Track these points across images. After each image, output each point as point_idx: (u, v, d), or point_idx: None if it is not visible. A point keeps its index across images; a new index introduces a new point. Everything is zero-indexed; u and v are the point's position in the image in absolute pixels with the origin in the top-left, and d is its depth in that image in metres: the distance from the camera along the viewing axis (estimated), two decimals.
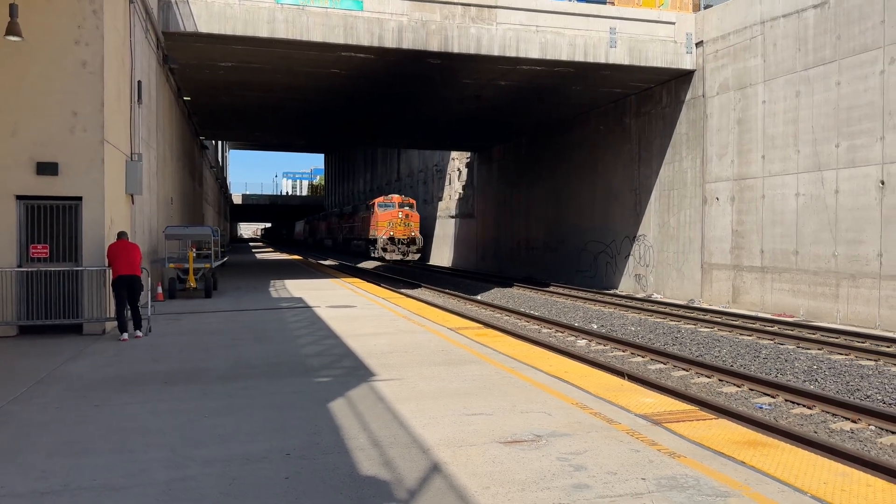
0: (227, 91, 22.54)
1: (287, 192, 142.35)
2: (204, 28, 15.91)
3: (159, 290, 15.00)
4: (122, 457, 4.56)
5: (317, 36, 16.56)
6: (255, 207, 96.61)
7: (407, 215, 42.84)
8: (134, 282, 9.76)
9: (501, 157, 35.35)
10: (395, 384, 6.61)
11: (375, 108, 26.07)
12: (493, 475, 4.17)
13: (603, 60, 18.87)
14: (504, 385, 6.62)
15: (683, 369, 10.32)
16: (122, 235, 10.01)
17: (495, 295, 21.75)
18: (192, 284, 15.32)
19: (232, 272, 24.59)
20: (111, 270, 9.81)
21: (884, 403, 8.06)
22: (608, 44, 18.88)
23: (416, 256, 42.45)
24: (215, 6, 15.91)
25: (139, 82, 13.20)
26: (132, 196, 12.47)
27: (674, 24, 19.68)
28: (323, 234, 69.09)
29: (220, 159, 59.53)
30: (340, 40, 16.72)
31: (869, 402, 8.09)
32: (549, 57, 18.44)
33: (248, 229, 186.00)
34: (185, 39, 16.47)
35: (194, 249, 16.77)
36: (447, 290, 22.91)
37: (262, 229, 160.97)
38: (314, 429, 5.14)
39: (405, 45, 17.23)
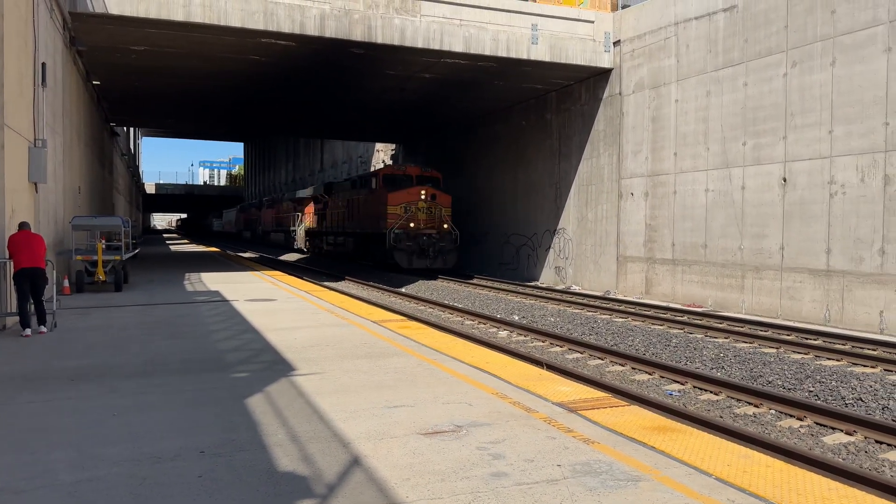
0: (140, 76, 21.61)
1: (205, 182, 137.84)
2: (115, 10, 15.18)
3: (66, 283, 14.27)
4: (23, 458, 4.33)
5: (235, 21, 16.09)
6: (169, 197, 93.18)
7: (433, 196, 26.45)
8: (37, 275, 9.25)
9: (426, 149, 35.39)
10: (316, 378, 6.54)
11: (298, 97, 25.58)
12: (414, 466, 4.19)
13: (525, 56, 19.14)
14: (426, 377, 6.65)
15: (599, 358, 10.65)
16: (24, 226, 9.46)
17: (420, 287, 21.81)
18: (102, 277, 14.65)
19: (144, 265, 23.66)
20: (12, 263, 9.26)
21: (784, 388, 8.55)
22: (530, 40, 19.17)
23: (454, 262, 26.35)
24: None
25: (43, 64, 12.48)
26: (35, 184, 11.80)
27: (593, 22, 20.16)
28: (264, 226, 60.78)
29: (132, 147, 57.04)
30: (260, 26, 16.30)
31: (770, 388, 8.56)
32: (472, 51, 18.56)
33: (162, 220, 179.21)
34: (94, 21, 15.67)
35: (104, 241, 16.04)
36: (371, 283, 22.80)
37: (177, 220, 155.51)
38: (230, 425, 5.02)
39: (328, 34, 16.97)
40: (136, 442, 4.66)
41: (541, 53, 19.29)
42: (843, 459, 6.19)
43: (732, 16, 16.77)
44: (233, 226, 78.29)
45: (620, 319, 13.63)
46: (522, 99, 24.83)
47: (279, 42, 17.61)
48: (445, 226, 25.97)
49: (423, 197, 25.87)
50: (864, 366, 9.66)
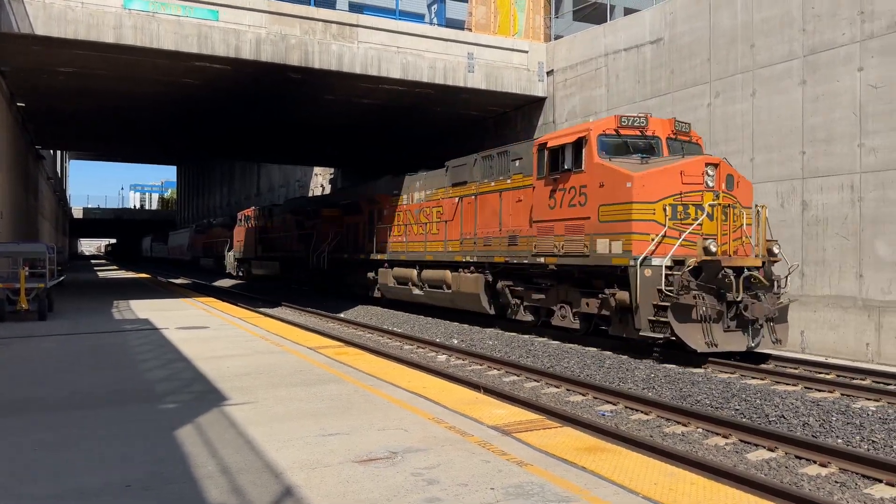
0: (69, 98, 20.97)
1: (135, 206, 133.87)
2: (41, 30, 14.74)
3: None
4: None
5: (168, 44, 15.84)
6: (98, 222, 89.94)
7: (729, 180, 12.04)
8: None
9: (366, 173, 35.35)
10: (249, 407, 6.42)
11: (234, 121, 25.27)
12: (347, 495, 4.17)
13: (462, 84, 19.48)
14: (362, 403, 6.62)
15: (535, 380, 10.79)
16: None
17: (359, 312, 21.66)
18: (24, 306, 14.04)
19: (71, 292, 22.75)
20: None
21: (711, 407, 8.85)
22: (467, 68, 19.53)
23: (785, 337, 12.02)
24: (55, 7, 14.81)
25: None
26: None
27: (527, 52, 20.71)
28: (200, 252, 54.01)
29: (59, 170, 55.02)
30: (194, 50, 16.10)
31: (699, 407, 8.85)
32: (410, 78, 18.77)
33: (90, 245, 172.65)
34: (19, 41, 15.16)
35: (27, 268, 15.38)
36: (309, 309, 22.51)
37: (106, 245, 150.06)
38: (158, 458, 4.88)
39: (263, 58, 16.89)
40: (60, 477, 4.48)
41: (477, 81, 19.67)
42: (765, 475, 6.44)
43: (659, 48, 17.51)
44: (185, 251, 60.65)
45: (555, 342, 13.87)
46: (462, 125, 25.18)
47: (213, 66, 17.42)
48: (770, 249, 12.25)
49: (708, 182, 11.70)
50: (787, 384, 10.09)
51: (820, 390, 9.64)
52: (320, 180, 42.54)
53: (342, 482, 4.39)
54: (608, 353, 12.66)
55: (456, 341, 15.09)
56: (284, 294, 29.17)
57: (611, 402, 9.24)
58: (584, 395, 9.73)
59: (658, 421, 8.38)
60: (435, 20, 29.09)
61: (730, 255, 11.77)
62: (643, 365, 11.34)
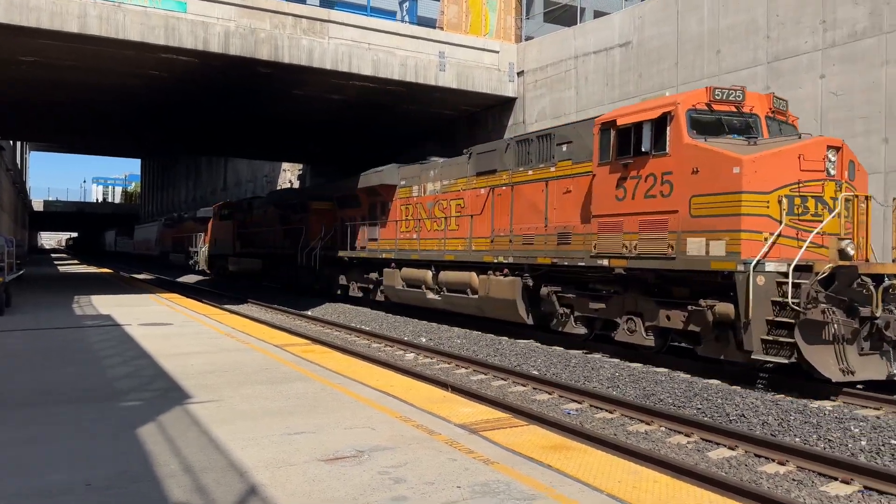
0: (31, 88, 20.46)
1: (98, 199, 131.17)
2: (2, 18, 14.37)
3: None
4: None
5: (134, 35, 15.56)
6: (59, 215, 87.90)
7: (851, 167, 10.02)
8: None
9: (336, 171, 35.14)
10: (213, 406, 6.35)
11: (202, 115, 24.92)
12: (313, 494, 4.15)
13: (433, 83, 19.48)
14: (329, 402, 6.59)
15: (503, 379, 10.85)
16: None
17: (326, 310, 21.53)
18: None
19: (30, 287, 22.21)
20: None
21: (674, 406, 8.99)
22: (438, 67, 19.54)
23: None
24: None
25: None
26: None
27: (498, 52, 20.80)
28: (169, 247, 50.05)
29: (19, 161, 53.63)
30: (161, 41, 15.84)
31: (662, 406, 8.99)
32: (381, 75, 18.72)
33: (51, 239, 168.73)
34: None
35: None
36: (275, 306, 22.31)
37: (67, 239, 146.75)
38: (121, 457, 4.81)
39: (232, 52, 16.69)
40: (21, 476, 4.38)
41: (449, 80, 19.69)
42: (726, 473, 6.57)
43: (628, 51, 17.72)
44: (153, 246, 56.72)
45: (523, 341, 13.96)
46: (434, 124, 25.18)
47: (181, 58, 17.15)
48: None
49: (829, 169, 9.73)
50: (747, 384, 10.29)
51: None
52: (288, 176, 42.18)
53: (308, 481, 4.37)
54: (574, 352, 12.75)
55: (424, 339, 15.09)
56: (251, 291, 28.86)
57: (576, 401, 9.34)
58: (550, 393, 9.81)
59: (622, 419, 8.50)
60: (407, 18, 29.06)
61: (866, 261, 9.71)
62: (608, 364, 11.48)
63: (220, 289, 30.95)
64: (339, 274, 22.75)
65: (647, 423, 8.22)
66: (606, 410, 8.83)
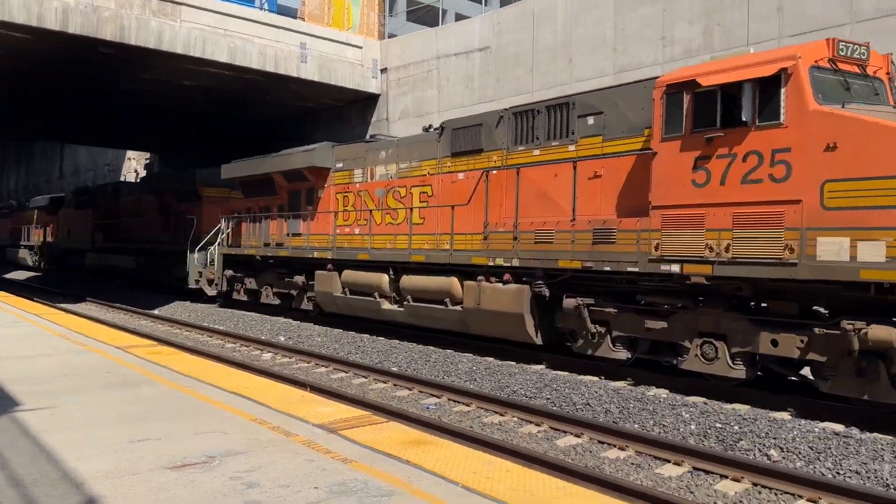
0: None
1: None
2: None
3: None
4: None
5: None
6: None
7: None
8: None
9: (189, 160, 33.35)
10: (46, 413, 5.84)
11: (38, 96, 22.77)
12: (158, 503, 3.93)
13: (294, 74, 19.05)
14: (178, 406, 6.27)
15: (363, 376, 10.83)
16: None
17: (175, 309, 20.41)
18: None
19: None
20: None
21: (526, 397, 9.39)
22: (299, 58, 19.13)
23: None
24: None
25: None
26: None
27: (361, 48, 20.70)
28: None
29: None
30: None
31: (515, 397, 9.36)
32: (238, 63, 18.04)
33: None
34: None
35: None
36: (118, 305, 20.86)
37: None
38: None
39: (72, 30, 15.41)
40: None
41: (310, 73, 19.33)
42: (572, 460, 6.96)
43: (487, 56, 18.25)
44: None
45: (384, 339, 13.99)
46: (295, 116, 24.59)
47: (13, 34, 15.58)
48: None
49: None
50: (592, 375, 10.94)
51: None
52: (134, 165, 39.54)
53: (153, 490, 4.13)
54: (433, 347, 12.94)
55: (283, 338, 14.73)
56: (89, 288, 26.76)
57: (435, 396, 9.50)
58: (410, 389, 9.92)
59: (478, 412, 8.76)
60: (266, 6, 28.16)
61: None
62: (465, 358, 11.77)
63: (54, 286, 28.46)
64: (247, 276, 19.06)
65: (501, 415, 8.52)
66: (464, 403, 9.06)
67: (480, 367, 11.04)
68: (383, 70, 21.07)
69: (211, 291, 19.96)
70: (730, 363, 8.75)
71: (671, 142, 8.94)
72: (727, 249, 8.34)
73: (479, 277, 11.82)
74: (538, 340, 11.14)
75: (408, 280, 13.35)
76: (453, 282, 12.38)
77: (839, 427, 7.53)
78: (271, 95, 21.47)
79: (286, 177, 17.00)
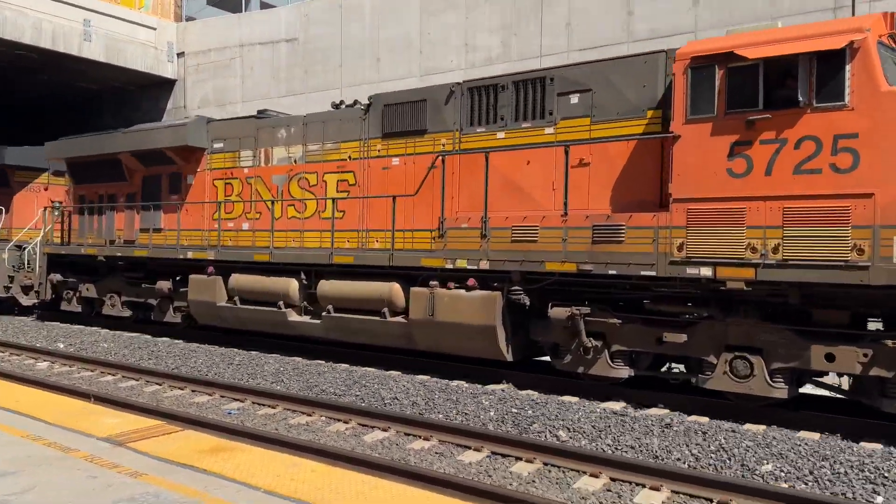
0: None
1: None
2: None
3: None
4: None
5: None
6: None
7: None
8: None
9: None
10: None
11: None
12: None
13: (76, 53, 17.30)
14: None
15: (157, 384, 10.11)
16: None
17: None
18: None
19: None
20: None
21: (335, 395, 9.34)
22: (82, 36, 17.39)
23: None
24: None
25: None
26: None
27: (155, 29, 19.31)
28: None
29: None
30: None
31: (323, 396, 9.26)
32: (7, 37, 15.97)
33: None
34: None
35: None
36: None
37: None
38: None
39: None
40: None
41: (96, 53, 17.65)
42: (379, 454, 7.03)
43: (294, 47, 17.86)
44: None
45: (182, 342, 13.16)
46: (77, 97, 22.24)
47: None
48: None
49: None
50: (400, 370, 11.14)
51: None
52: None
53: None
54: (238, 350, 12.42)
55: (62, 345, 13.31)
56: None
57: (238, 400, 9.12)
58: (210, 394, 9.43)
59: (284, 413, 8.55)
60: None
61: None
62: (272, 359, 11.45)
63: None
64: (83, 281, 15.59)
65: (308, 415, 8.39)
66: (269, 406, 8.79)
67: (288, 368, 10.79)
68: (180, 54, 19.79)
69: (27, 301, 16.64)
70: (767, 380, 7.64)
71: (699, 124, 7.71)
72: (775, 250, 7.25)
73: (433, 283, 9.89)
74: (509, 357, 9.48)
75: (329, 286, 11.07)
76: (394, 288, 10.34)
77: (618, 406, 8.36)
78: (50, 73, 19.27)
79: (142, 159, 13.97)
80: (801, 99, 7.08)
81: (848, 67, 6.92)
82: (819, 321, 7.54)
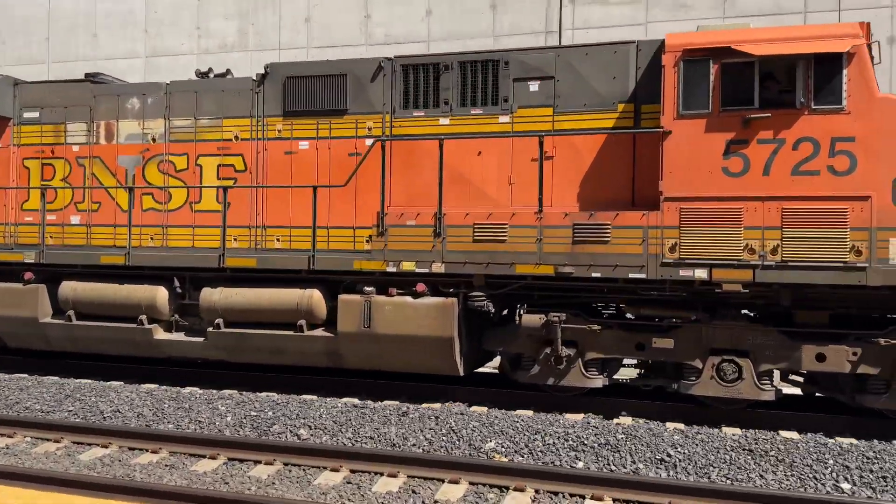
0: None
1: None
2: None
3: None
4: None
5: None
6: None
7: None
8: None
9: None
10: None
11: None
12: None
13: None
14: None
15: None
16: None
17: None
18: None
19: None
20: None
21: (42, 413, 8.27)
22: None
23: None
24: None
25: None
26: None
27: None
28: None
29: None
30: None
31: (27, 414, 8.17)
32: None
33: None
34: None
35: None
36: None
37: None
38: None
39: None
40: None
41: None
42: (98, 473, 6.37)
43: None
44: None
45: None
46: None
47: None
48: None
49: None
50: (122, 380, 10.14)
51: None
52: None
53: None
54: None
55: None
56: None
57: None
58: None
59: None
60: None
61: None
62: None
63: None
64: None
65: (10, 437, 7.33)
66: None
67: None
68: None
69: None
70: (756, 383, 7.56)
71: (692, 120, 7.49)
72: (774, 251, 7.21)
73: (368, 289, 8.54)
74: (461, 371, 8.47)
75: (219, 295, 9.11)
76: (314, 296, 8.75)
77: (356, 400, 8.55)
78: None
79: None
80: (800, 100, 7.14)
81: (845, 72, 7.07)
82: (799, 322, 7.62)
